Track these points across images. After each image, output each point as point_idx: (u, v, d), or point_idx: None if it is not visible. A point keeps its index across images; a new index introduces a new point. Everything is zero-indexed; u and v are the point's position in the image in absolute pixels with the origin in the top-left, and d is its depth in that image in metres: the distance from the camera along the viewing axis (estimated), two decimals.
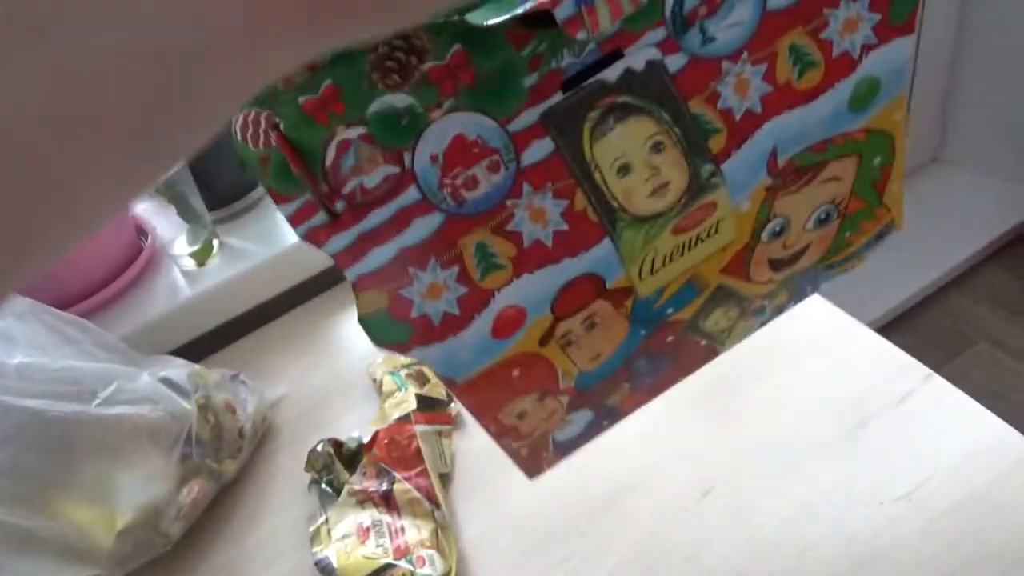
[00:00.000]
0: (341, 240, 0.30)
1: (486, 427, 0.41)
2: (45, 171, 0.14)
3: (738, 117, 0.33)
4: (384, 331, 0.32)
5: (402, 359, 0.70)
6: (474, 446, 0.62)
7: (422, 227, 0.30)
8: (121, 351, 0.62)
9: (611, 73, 0.31)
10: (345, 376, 0.72)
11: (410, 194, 0.30)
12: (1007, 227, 1.76)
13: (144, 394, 0.59)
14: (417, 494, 0.57)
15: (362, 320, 0.32)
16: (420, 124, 0.29)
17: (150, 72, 0.14)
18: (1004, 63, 1.72)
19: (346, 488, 0.59)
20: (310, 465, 0.62)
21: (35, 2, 0.13)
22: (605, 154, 0.32)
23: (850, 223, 0.40)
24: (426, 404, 0.64)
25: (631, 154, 0.32)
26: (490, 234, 0.31)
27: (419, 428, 0.61)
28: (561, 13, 0.28)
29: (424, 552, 0.53)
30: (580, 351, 0.38)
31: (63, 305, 0.69)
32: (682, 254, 0.36)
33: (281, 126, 0.27)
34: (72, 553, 0.54)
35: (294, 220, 0.29)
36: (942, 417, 0.53)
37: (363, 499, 0.58)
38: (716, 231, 0.36)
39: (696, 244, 0.36)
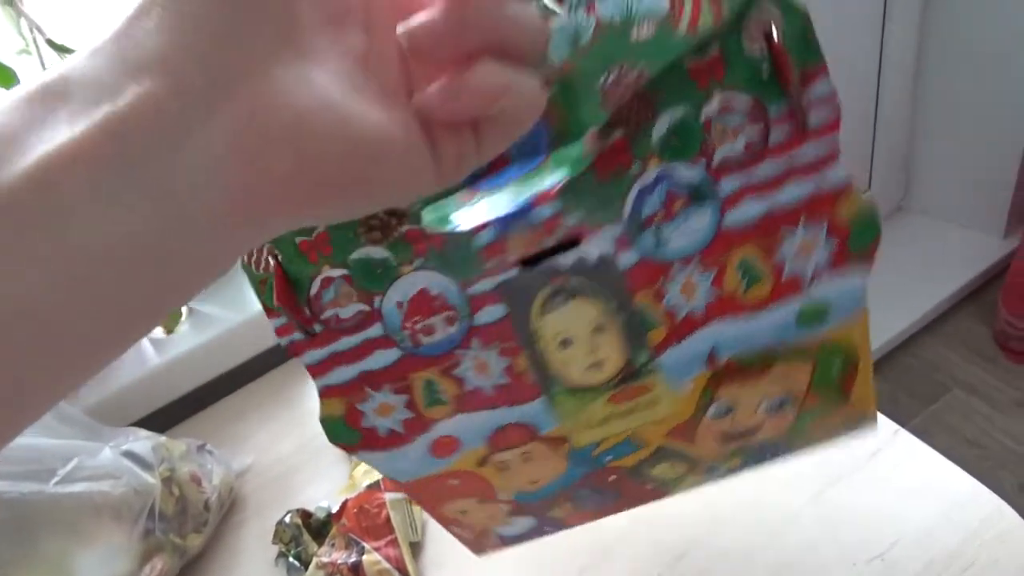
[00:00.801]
0: (315, 355, 0.36)
1: (431, 516, 0.44)
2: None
3: (680, 316, 0.34)
4: (338, 433, 0.38)
5: None
6: None
7: (381, 358, 0.35)
8: (83, 424, 0.60)
9: (565, 259, 0.33)
10: (314, 444, 0.71)
11: (375, 330, 0.34)
12: (974, 274, 1.80)
13: (106, 470, 0.58)
14: (387, 565, 0.56)
15: (322, 420, 0.37)
16: (392, 275, 0.33)
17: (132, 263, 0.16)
18: (966, 112, 1.77)
19: (314, 561, 0.57)
20: (277, 537, 0.60)
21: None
22: (549, 327, 0.35)
23: (809, 415, 0.40)
24: None
25: (573, 331, 0.35)
26: (438, 374, 0.36)
27: (388, 496, 0.60)
28: (480, 240, 0.32)
29: None
30: (517, 476, 0.41)
31: None
32: (619, 418, 0.38)
33: (279, 258, 0.33)
34: None
35: (280, 332, 0.35)
36: (912, 474, 0.53)
37: (332, 572, 0.57)
38: (654, 404, 0.38)
39: (633, 412, 0.38)
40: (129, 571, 0.56)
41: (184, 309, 0.82)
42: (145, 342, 0.81)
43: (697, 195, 0.31)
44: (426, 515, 0.61)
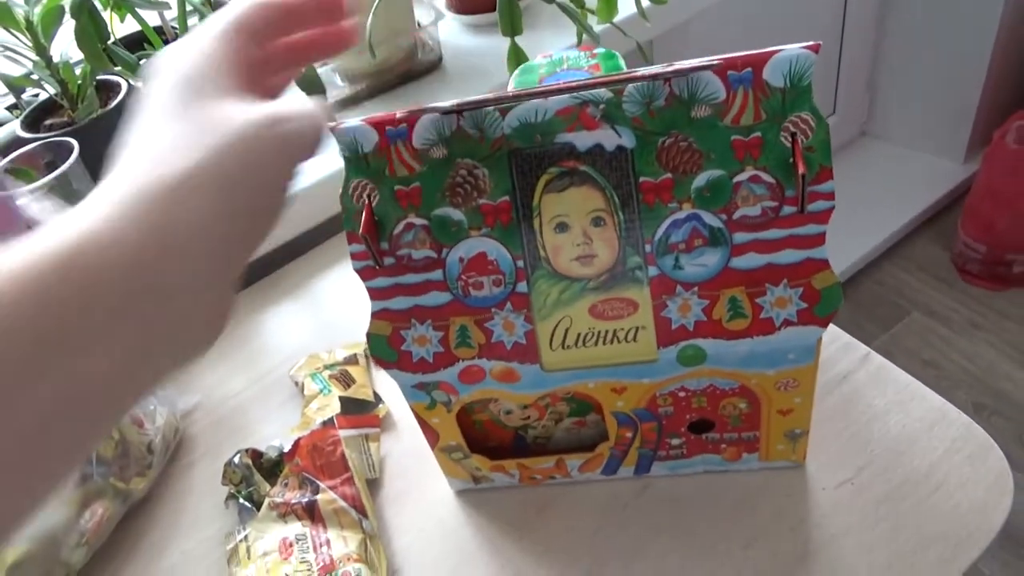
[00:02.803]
0: (381, 282, 0.43)
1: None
2: None
3: (674, 326, 0.42)
4: (380, 349, 0.45)
5: (324, 359, 0.66)
6: (403, 448, 0.59)
7: (434, 298, 0.43)
8: None
9: (583, 142, 0.39)
10: (265, 381, 0.68)
11: (436, 274, 0.42)
12: (934, 198, 1.80)
13: None
14: (343, 504, 0.53)
15: (369, 335, 0.44)
16: (462, 234, 0.41)
17: None
18: (929, 36, 1.74)
19: (266, 501, 0.54)
20: (227, 478, 0.57)
21: None
22: (550, 207, 0.40)
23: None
24: (351, 406, 0.60)
25: (572, 216, 0.40)
26: (473, 323, 0.43)
27: (343, 433, 0.57)
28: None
29: (352, 567, 0.49)
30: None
31: None
32: (596, 344, 0.43)
33: (375, 198, 0.41)
34: None
35: (358, 257, 0.42)
36: (881, 397, 0.52)
37: (285, 512, 0.54)
38: (635, 339, 0.42)
39: (613, 341, 0.43)
40: (66, 519, 0.53)
41: None
42: None
43: (714, 239, 0.39)
44: (383, 451, 0.59)
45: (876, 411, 0.51)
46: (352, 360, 0.65)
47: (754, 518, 0.48)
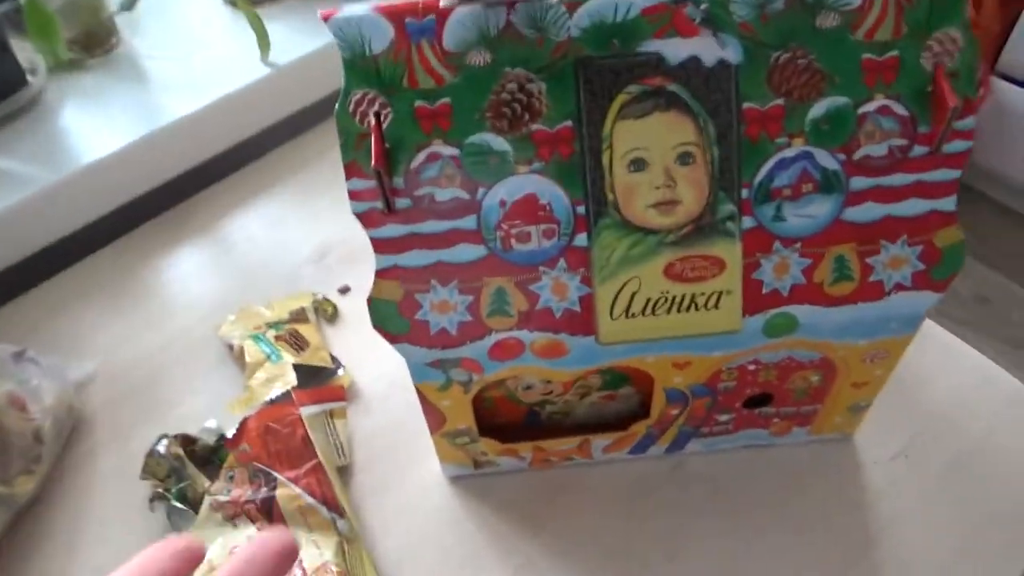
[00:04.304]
0: (391, 231, 0.33)
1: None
2: None
3: (764, 291, 0.34)
4: (386, 319, 0.34)
5: (264, 315, 0.54)
6: (373, 425, 0.49)
7: (463, 252, 0.33)
8: None
9: (675, 52, 0.30)
10: (182, 343, 0.55)
11: (468, 221, 0.32)
12: None
13: None
14: (310, 500, 0.43)
15: (372, 301, 0.34)
16: (505, 170, 0.32)
17: None
18: None
19: (207, 501, 0.43)
20: (149, 472, 0.45)
21: None
22: (625, 138, 0.31)
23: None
24: (308, 376, 0.49)
25: (653, 151, 0.32)
26: (513, 285, 0.34)
27: (305, 411, 0.46)
28: None
29: None
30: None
31: None
32: (668, 311, 0.34)
33: (387, 117, 0.31)
34: None
35: (359, 196, 0.32)
36: (929, 361, 0.47)
37: (234, 514, 0.43)
38: (716, 305, 0.34)
39: (690, 308, 0.34)
40: None
41: None
42: None
43: (827, 184, 0.32)
44: (350, 429, 0.48)
45: (922, 375, 0.46)
46: (300, 316, 0.53)
47: (804, 498, 0.42)
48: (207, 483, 0.44)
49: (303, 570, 0.40)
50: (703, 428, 0.42)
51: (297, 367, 0.49)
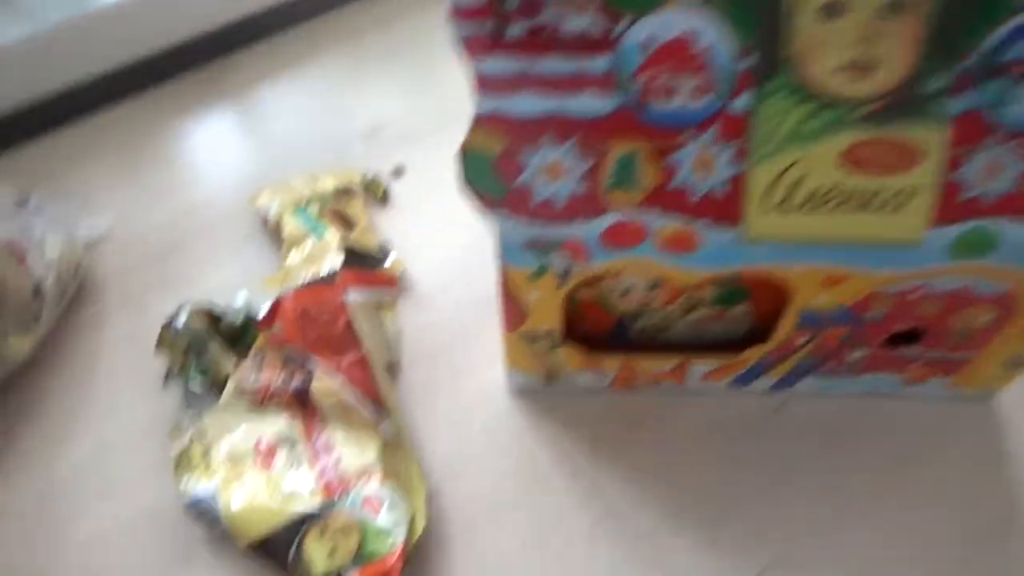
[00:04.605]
0: (500, 65, 0.26)
1: None
2: None
3: (964, 196, 0.27)
4: (480, 176, 0.28)
5: (305, 191, 0.46)
6: (426, 323, 0.42)
7: (589, 103, 0.26)
8: None
9: None
10: (210, 210, 0.48)
11: (599, 63, 0.25)
12: None
13: None
14: (351, 396, 0.36)
15: (465, 151, 0.28)
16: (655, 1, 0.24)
17: None
18: None
19: (232, 384, 0.37)
20: (165, 346, 0.39)
21: None
22: None
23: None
24: (356, 258, 0.42)
25: None
26: (648, 152, 0.27)
27: (350, 296, 0.39)
28: None
29: (376, 489, 0.33)
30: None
31: None
32: (837, 208, 0.28)
33: None
34: None
35: (465, 14, 0.25)
36: None
37: (262, 399, 0.37)
38: (899, 208, 0.27)
39: (866, 208, 0.28)
40: None
41: None
42: None
43: None
44: (400, 325, 0.42)
45: None
46: (347, 194, 0.46)
47: (935, 463, 0.36)
48: (232, 364, 0.38)
49: (340, 471, 0.34)
50: (826, 364, 0.36)
51: (347, 248, 0.42)
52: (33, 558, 0.34)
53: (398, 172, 0.49)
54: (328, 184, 0.46)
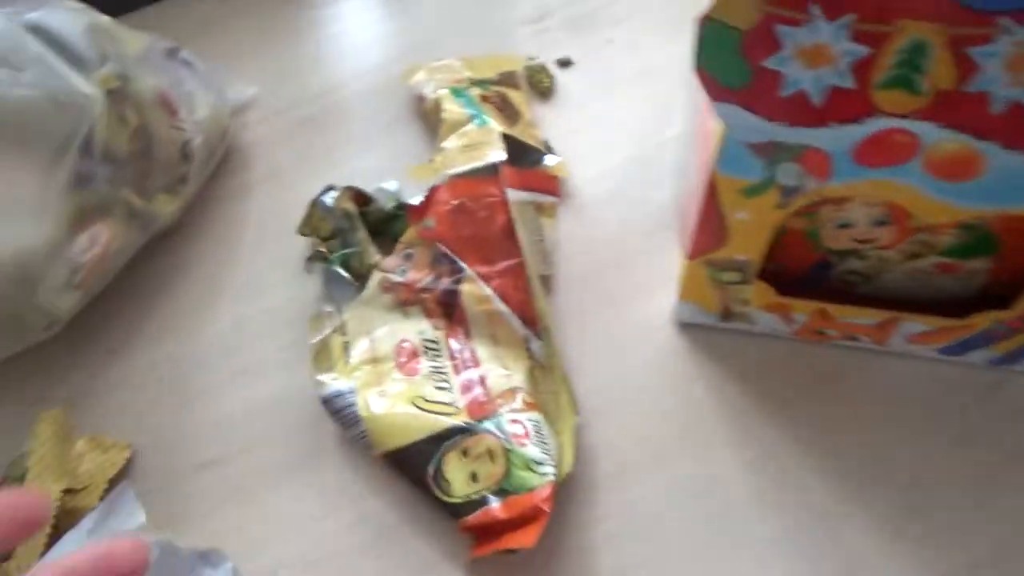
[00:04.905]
0: None
1: None
2: None
3: None
4: (719, 56, 0.23)
5: (464, 72, 0.42)
6: (590, 236, 0.38)
7: None
8: None
9: None
10: (360, 85, 0.44)
11: None
12: None
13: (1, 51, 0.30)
14: (502, 306, 0.33)
15: (706, 22, 0.22)
16: None
17: None
18: None
19: (376, 276, 0.34)
20: (310, 227, 0.36)
21: None
22: None
23: None
24: (517, 154, 0.38)
25: None
26: (945, 40, 0.21)
27: (512, 195, 0.35)
28: None
29: (522, 415, 0.30)
30: None
31: None
32: None
33: None
34: None
35: None
36: None
37: (406, 299, 0.34)
38: None
39: None
40: (50, 242, 0.31)
41: None
42: None
43: None
44: (559, 233, 0.38)
45: None
46: (511, 81, 0.42)
47: None
48: (378, 255, 0.35)
49: (486, 388, 0.31)
50: None
51: (509, 139, 0.37)
52: (163, 427, 0.33)
53: (565, 64, 0.44)
54: (491, 69, 0.42)
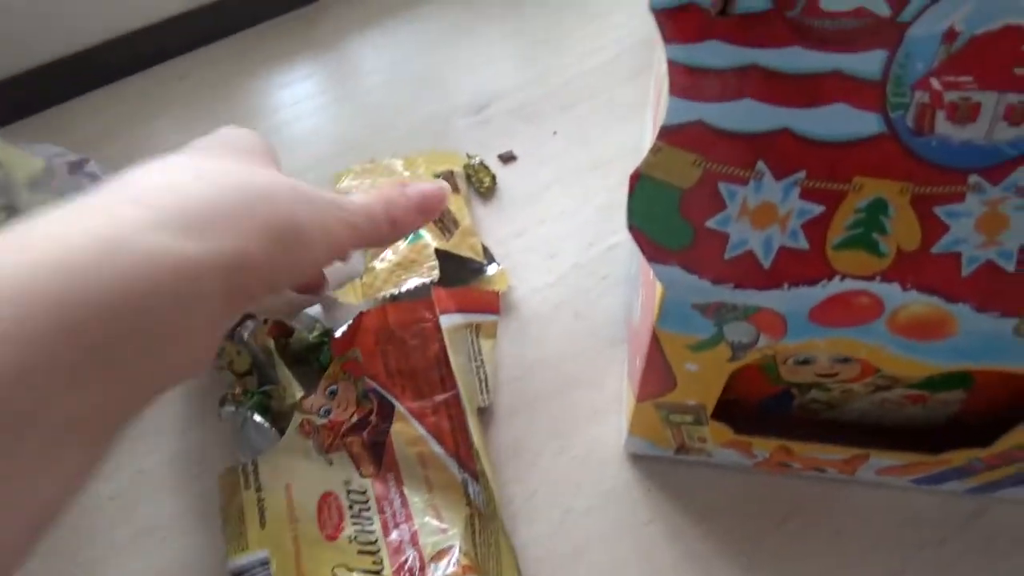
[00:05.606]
0: (716, 54, 0.18)
1: None
2: None
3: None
4: (657, 216, 0.20)
5: (402, 175, 0.39)
6: (532, 356, 0.35)
7: (839, 121, 0.18)
8: None
9: None
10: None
11: (867, 62, 0.18)
12: None
13: None
14: (437, 447, 0.30)
15: (641, 180, 0.20)
16: None
17: None
18: None
19: (296, 419, 0.31)
20: (225, 362, 0.33)
21: None
22: None
23: None
24: (457, 268, 0.35)
25: None
26: (908, 199, 0.19)
27: (445, 319, 0.32)
28: None
29: None
30: None
31: None
32: None
33: None
34: None
35: None
36: None
37: (330, 445, 0.30)
38: None
39: None
40: None
41: None
42: None
43: None
44: (499, 353, 0.35)
45: None
46: (447, 182, 0.39)
47: None
48: (301, 391, 0.31)
49: (418, 550, 0.28)
50: None
51: (443, 255, 0.35)
52: None
53: (507, 159, 0.41)
54: (426, 169, 0.39)
